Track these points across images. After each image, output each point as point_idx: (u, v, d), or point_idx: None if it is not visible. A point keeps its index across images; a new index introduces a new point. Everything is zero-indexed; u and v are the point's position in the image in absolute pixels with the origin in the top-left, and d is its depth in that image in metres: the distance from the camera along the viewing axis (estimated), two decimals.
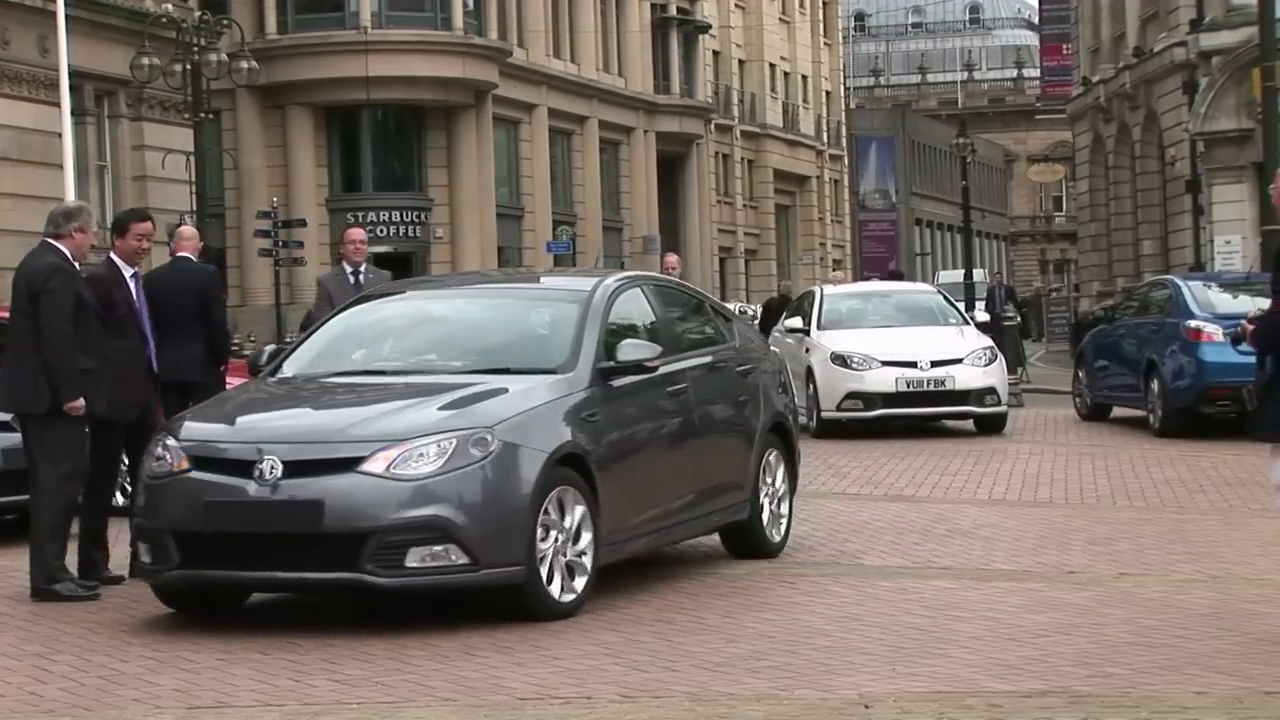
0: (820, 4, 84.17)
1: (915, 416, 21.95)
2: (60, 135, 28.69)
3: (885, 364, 21.78)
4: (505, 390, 9.98)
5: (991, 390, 21.87)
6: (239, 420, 9.99)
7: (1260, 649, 8.75)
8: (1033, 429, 22.63)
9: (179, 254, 13.53)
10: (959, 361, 21.85)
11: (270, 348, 11.80)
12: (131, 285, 11.88)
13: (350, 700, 7.90)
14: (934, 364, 21.77)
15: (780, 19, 78.10)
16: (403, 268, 42.55)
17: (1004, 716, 7.39)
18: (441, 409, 9.72)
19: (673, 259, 22.13)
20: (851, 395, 21.80)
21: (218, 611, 9.97)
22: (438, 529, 9.26)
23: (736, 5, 73.44)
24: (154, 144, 35.42)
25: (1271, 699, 7.67)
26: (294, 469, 9.35)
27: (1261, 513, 14.08)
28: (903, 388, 21.71)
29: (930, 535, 12.91)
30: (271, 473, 9.34)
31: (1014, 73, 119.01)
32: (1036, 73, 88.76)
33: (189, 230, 14.17)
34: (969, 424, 22.44)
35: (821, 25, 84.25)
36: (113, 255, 11.81)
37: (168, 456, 9.74)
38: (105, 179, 35.13)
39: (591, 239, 57.12)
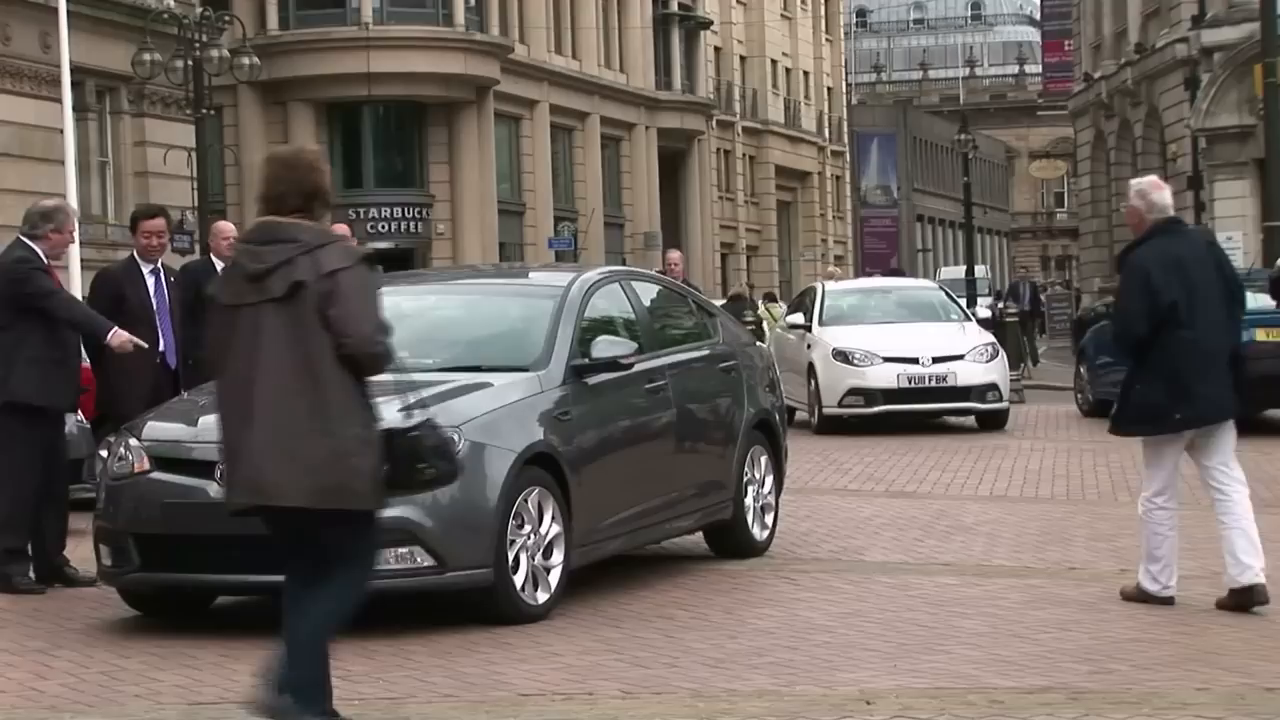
0: (822, 0, 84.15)
1: (917, 413, 21.95)
2: (62, 131, 28.68)
3: (887, 360, 21.77)
4: (475, 388, 9.78)
5: (993, 386, 21.86)
6: (202, 420, 9.57)
7: (1262, 645, 8.75)
8: (1034, 425, 22.63)
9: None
10: (960, 358, 21.84)
11: None
12: (149, 282, 11.91)
13: (351, 696, 7.88)
14: (935, 360, 21.76)
15: (782, 15, 78.06)
16: (404, 264, 42.54)
17: (1006, 712, 7.39)
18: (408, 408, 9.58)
19: (675, 255, 22.09)
20: (853, 391, 21.79)
21: (184, 614, 9.79)
22: (402, 531, 9.03)
23: (738, 1, 73.40)
24: (155, 140, 35.45)
25: (1273, 695, 7.67)
26: None
27: (1262, 509, 14.05)
28: (904, 384, 21.70)
29: (932, 531, 12.91)
30: None
31: (1015, 69, 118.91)
32: (1038, 69, 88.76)
33: (213, 226, 14.26)
34: (970, 420, 22.44)
35: (823, 21, 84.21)
36: (134, 252, 11.92)
37: (129, 457, 9.52)
38: (107, 175, 35.16)
39: (593, 233, 57.08)
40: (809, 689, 7.88)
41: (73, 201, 27.70)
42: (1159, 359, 9.53)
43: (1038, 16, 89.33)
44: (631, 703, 7.69)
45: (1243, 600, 9.54)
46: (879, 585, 10.66)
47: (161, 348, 11.96)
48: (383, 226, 48.31)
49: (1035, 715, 7.32)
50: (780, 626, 9.36)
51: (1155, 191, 9.78)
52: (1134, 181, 10.07)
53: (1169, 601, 9.72)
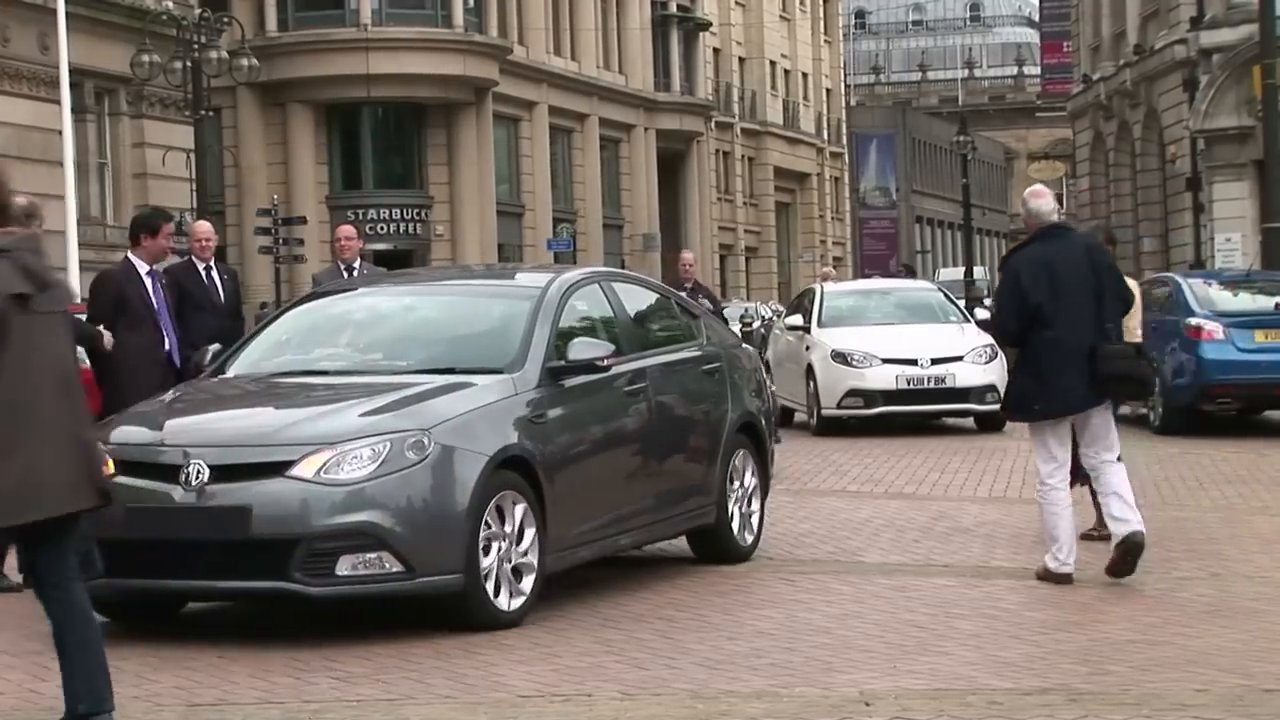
0: (820, 1, 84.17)
1: (915, 414, 21.95)
2: (60, 133, 28.72)
3: (886, 361, 21.77)
4: (447, 390, 9.62)
5: (992, 388, 21.80)
6: (168, 423, 9.54)
7: (1260, 646, 8.75)
8: None
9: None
10: (959, 359, 21.83)
11: (215, 347, 11.32)
12: (148, 282, 11.95)
13: (350, 698, 7.89)
14: (934, 361, 21.76)
15: (780, 16, 78.10)
16: (403, 265, 42.55)
17: (1004, 714, 7.39)
18: (378, 410, 9.36)
19: (688, 256, 21.89)
20: (852, 393, 21.78)
21: (152, 619, 9.69)
22: (370, 536, 8.91)
23: (737, 3, 73.43)
24: (154, 141, 35.48)
25: (1272, 696, 7.67)
26: (221, 474, 8.95)
27: (1261, 510, 14.08)
28: (903, 385, 21.70)
29: (930, 533, 12.90)
30: (198, 478, 8.96)
31: (1014, 70, 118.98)
32: (1037, 70, 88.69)
33: (192, 227, 14.32)
34: (969, 422, 22.43)
35: (822, 23, 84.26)
36: (129, 254, 11.92)
37: None
38: (105, 176, 35.18)
39: (592, 236, 57.12)
40: (807, 690, 7.88)
41: (71, 203, 27.77)
42: (1028, 355, 10.58)
43: (1036, 18, 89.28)
44: (630, 704, 7.69)
45: (1127, 550, 10.43)
46: (877, 586, 10.65)
47: (167, 347, 12.01)
48: (381, 228, 48.32)
49: (1034, 716, 7.32)
50: (778, 628, 9.35)
51: (1034, 200, 10.76)
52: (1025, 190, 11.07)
53: (1067, 578, 10.45)
